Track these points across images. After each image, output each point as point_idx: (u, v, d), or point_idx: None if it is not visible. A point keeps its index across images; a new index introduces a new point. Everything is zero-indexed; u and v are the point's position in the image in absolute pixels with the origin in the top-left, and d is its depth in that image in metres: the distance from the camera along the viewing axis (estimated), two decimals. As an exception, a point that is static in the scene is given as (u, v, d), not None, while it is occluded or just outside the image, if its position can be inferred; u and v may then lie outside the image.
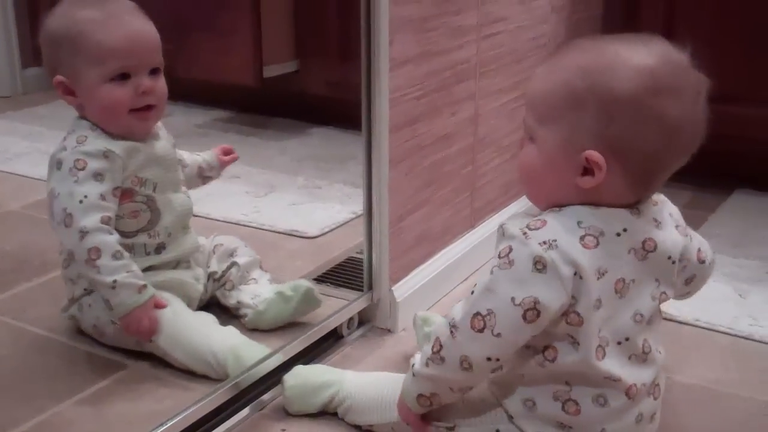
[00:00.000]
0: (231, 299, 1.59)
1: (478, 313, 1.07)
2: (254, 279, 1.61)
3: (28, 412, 1.32)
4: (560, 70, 1.09)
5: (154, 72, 1.47)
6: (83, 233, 1.38)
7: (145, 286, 1.41)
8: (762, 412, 1.42)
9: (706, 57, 2.41)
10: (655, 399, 1.17)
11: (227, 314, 1.58)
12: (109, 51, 1.42)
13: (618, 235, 1.08)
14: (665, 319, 1.67)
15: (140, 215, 1.48)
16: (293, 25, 2.72)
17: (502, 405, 1.16)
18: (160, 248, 1.50)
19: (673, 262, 1.14)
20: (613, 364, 1.09)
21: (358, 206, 2.07)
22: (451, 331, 1.09)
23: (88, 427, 1.30)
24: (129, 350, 1.46)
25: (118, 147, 1.44)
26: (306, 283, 1.57)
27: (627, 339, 1.11)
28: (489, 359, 1.09)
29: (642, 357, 1.13)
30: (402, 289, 1.66)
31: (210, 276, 1.60)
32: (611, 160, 1.06)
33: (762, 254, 1.97)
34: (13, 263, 1.81)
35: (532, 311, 1.05)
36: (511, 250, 1.06)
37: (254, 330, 1.54)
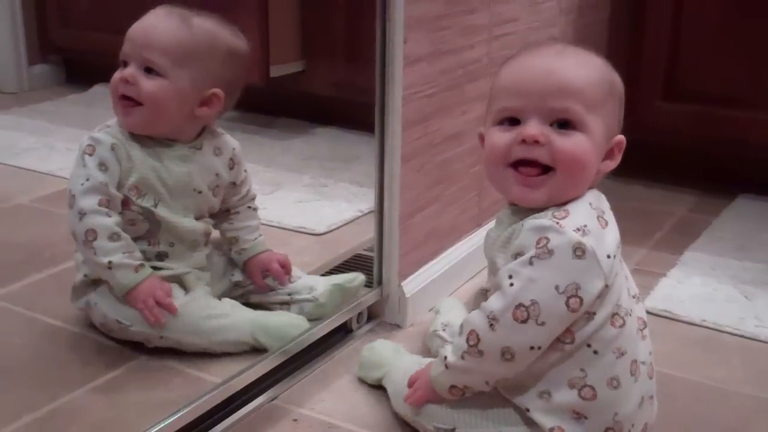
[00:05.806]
0: (280, 294, 1.60)
1: (521, 305, 1.08)
2: (298, 276, 1.63)
3: (42, 399, 1.33)
4: (591, 64, 1.16)
5: (149, 71, 1.44)
6: (81, 214, 1.39)
7: (142, 265, 1.42)
8: (767, 410, 1.44)
9: (711, 61, 2.44)
10: (651, 378, 1.20)
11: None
12: (126, 38, 1.45)
13: (606, 210, 1.17)
14: (672, 319, 1.70)
15: (138, 224, 1.46)
16: (300, 25, 2.73)
17: (514, 403, 1.16)
18: (162, 256, 1.49)
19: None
20: (623, 336, 1.13)
21: (364, 204, 2.10)
22: (491, 324, 1.10)
23: (101, 415, 1.31)
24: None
25: (124, 146, 1.44)
26: (361, 276, 1.63)
27: (631, 312, 1.15)
28: (532, 348, 1.10)
29: (641, 334, 1.17)
30: (411, 285, 1.66)
31: (236, 285, 1.61)
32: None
33: (766, 257, 1.98)
34: (24, 255, 1.82)
35: (574, 298, 1.07)
36: (548, 240, 1.08)
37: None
